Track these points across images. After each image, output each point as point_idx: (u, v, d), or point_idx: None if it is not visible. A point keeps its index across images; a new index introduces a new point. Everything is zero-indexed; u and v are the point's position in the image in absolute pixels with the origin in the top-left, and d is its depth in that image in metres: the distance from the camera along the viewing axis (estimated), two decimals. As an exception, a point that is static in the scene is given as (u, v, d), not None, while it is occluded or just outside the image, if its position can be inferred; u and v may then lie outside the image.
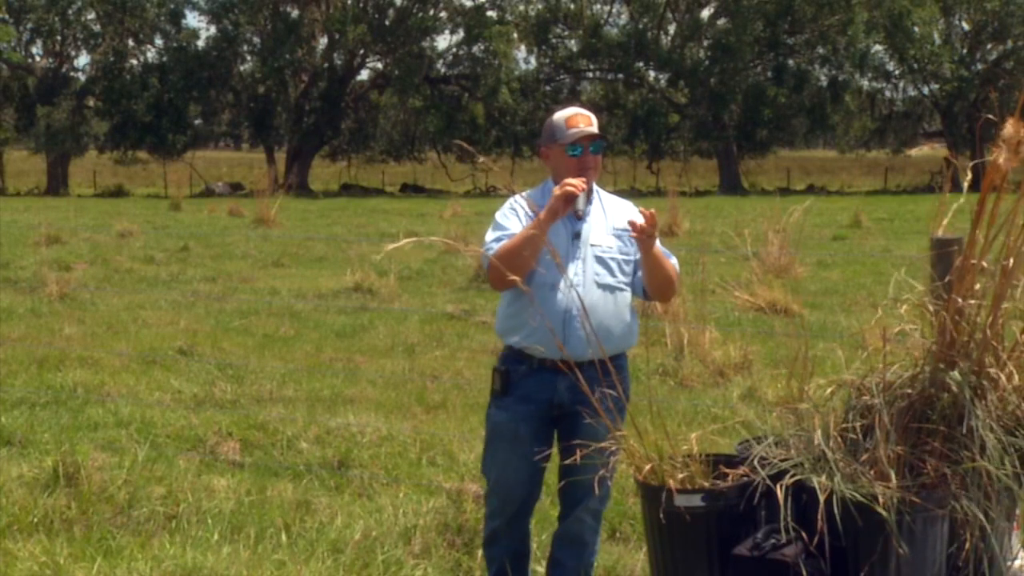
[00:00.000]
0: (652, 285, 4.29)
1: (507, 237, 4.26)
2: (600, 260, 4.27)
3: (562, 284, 4.20)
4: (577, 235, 4.28)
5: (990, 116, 3.20)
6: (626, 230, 4.25)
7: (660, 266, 4.23)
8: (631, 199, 4.58)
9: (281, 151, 50.16)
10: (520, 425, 4.29)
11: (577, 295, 4.14)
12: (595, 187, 4.39)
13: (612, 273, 4.27)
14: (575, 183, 4.15)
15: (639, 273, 4.32)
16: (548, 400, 4.26)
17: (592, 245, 4.27)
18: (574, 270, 4.24)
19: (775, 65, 48.38)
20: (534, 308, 4.14)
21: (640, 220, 4.16)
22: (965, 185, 3.39)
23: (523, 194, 4.35)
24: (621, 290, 4.29)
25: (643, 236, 4.12)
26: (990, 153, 3.14)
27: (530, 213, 4.25)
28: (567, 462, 4.07)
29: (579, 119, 4.34)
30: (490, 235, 4.35)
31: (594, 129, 4.32)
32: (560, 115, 4.40)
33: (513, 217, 4.33)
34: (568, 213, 4.20)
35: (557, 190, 4.16)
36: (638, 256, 4.28)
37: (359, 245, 18.62)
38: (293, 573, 4.85)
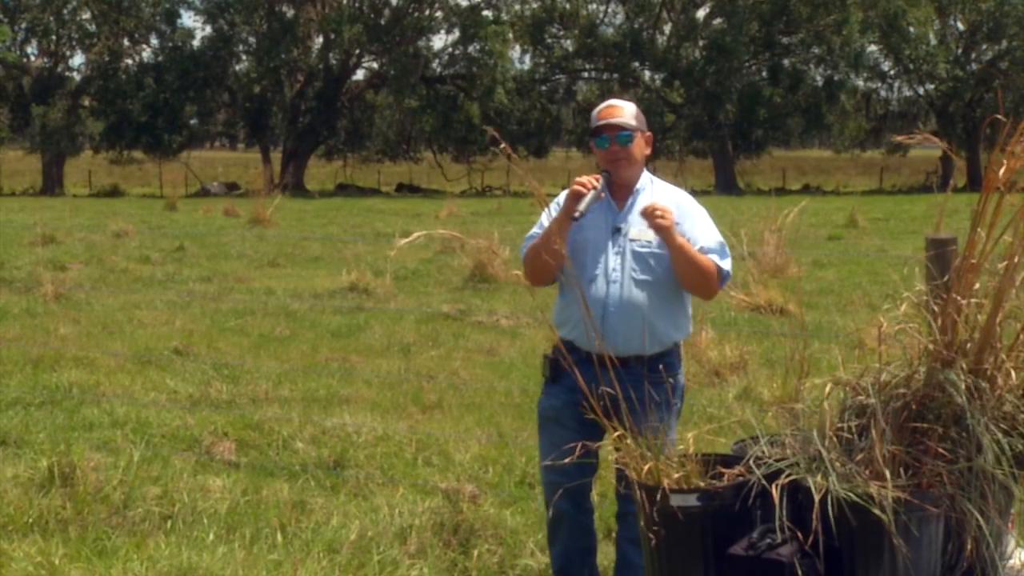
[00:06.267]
0: (679, 278, 4.21)
1: (540, 234, 4.29)
2: (638, 255, 4.22)
3: (599, 279, 4.20)
4: (618, 229, 4.25)
5: (999, 116, 3.17)
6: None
7: (682, 260, 4.13)
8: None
9: (277, 151, 50.13)
10: (565, 413, 4.29)
11: (616, 290, 4.15)
12: (650, 178, 4.37)
13: (651, 268, 4.21)
14: (583, 181, 4.14)
15: None
16: (592, 392, 4.21)
17: (631, 240, 4.22)
18: (613, 265, 4.22)
19: (770, 65, 48.41)
20: (564, 301, 4.27)
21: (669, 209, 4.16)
22: (1005, 187, 3.24)
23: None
24: (662, 285, 4.22)
25: (652, 224, 4.10)
26: (987, 152, 3.14)
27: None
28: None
29: (607, 111, 4.32)
30: (530, 232, 4.38)
31: (619, 119, 4.26)
32: (597, 108, 4.40)
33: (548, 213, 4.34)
34: (588, 210, 4.16)
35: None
36: None
37: (355, 245, 18.61)
38: (289, 573, 4.84)
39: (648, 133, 4.39)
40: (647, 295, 4.19)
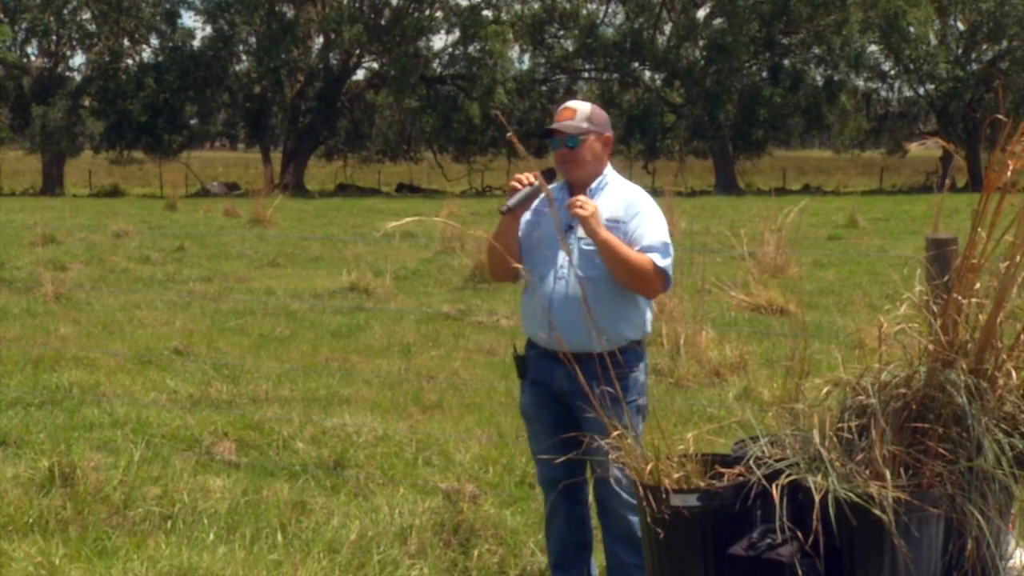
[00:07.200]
0: (611, 273, 4.20)
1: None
2: (584, 253, 4.25)
3: (549, 275, 4.27)
4: (571, 227, 4.29)
5: (999, 116, 3.17)
6: (617, 221, 4.24)
7: (608, 254, 4.15)
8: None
9: (277, 151, 50.13)
10: (534, 407, 4.42)
11: (561, 286, 4.22)
12: (613, 176, 4.39)
13: (596, 265, 4.22)
14: (520, 177, 4.23)
15: None
16: (551, 386, 4.31)
17: (580, 237, 4.26)
18: (562, 261, 4.26)
19: (771, 65, 48.40)
20: (523, 298, 4.39)
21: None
22: None
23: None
24: (610, 283, 4.22)
25: (572, 214, 4.16)
26: (987, 152, 3.14)
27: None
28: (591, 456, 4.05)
29: (560, 114, 4.38)
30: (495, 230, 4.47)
31: (567, 123, 4.31)
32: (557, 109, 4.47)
33: None
34: (531, 206, 4.27)
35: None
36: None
37: (355, 245, 18.62)
38: (289, 573, 4.84)
39: (607, 134, 4.39)
40: (592, 291, 4.17)
